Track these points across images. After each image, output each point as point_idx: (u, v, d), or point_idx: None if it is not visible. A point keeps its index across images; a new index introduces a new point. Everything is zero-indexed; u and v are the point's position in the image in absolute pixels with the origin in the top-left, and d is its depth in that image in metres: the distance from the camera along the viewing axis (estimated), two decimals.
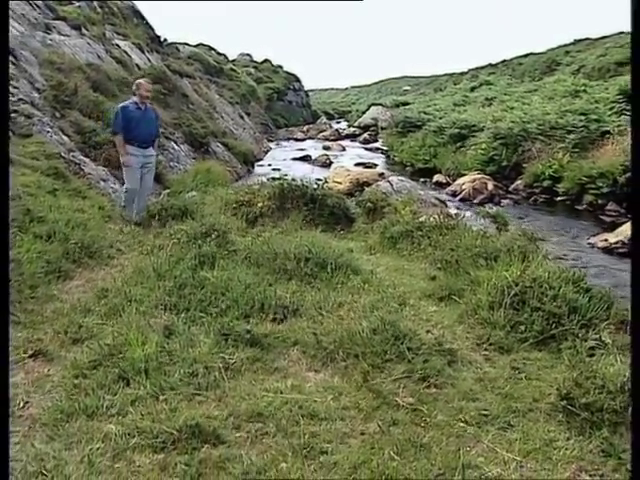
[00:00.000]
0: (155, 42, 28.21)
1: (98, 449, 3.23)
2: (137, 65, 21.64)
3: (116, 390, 3.84)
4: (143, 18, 28.83)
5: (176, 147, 17.56)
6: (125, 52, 21.45)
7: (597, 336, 4.92)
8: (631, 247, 2.81)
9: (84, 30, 19.09)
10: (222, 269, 6.02)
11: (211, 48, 46.33)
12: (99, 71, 16.62)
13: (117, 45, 21.29)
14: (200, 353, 4.31)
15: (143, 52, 23.85)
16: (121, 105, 9.21)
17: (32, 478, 2.95)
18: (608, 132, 16.57)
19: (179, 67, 25.78)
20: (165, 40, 31.48)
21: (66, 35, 17.64)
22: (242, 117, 31.43)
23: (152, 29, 29.03)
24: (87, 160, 12.01)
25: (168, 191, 13.17)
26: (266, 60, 58.48)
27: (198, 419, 3.44)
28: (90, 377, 4.02)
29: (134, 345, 4.29)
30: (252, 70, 50.66)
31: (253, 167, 22.30)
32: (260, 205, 9.48)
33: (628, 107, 17.90)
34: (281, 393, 3.87)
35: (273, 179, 10.41)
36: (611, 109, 18.19)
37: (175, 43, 34.32)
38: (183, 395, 3.80)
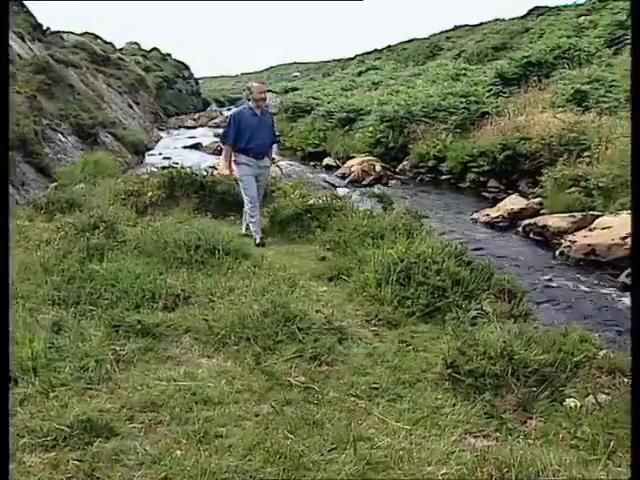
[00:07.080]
0: (37, 31, 26.88)
1: None
2: (19, 55, 20.61)
3: None
4: (23, 6, 27.42)
5: (63, 139, 16.99)
6: None
7: (479, 306, 5.23)
8: (631, 247, 2.98)
9: None
10: (111, 260, 5.91)
11: (97, 37, 44.57)
12: None
13: None
14: (90, 347, 4.23)
15: (25, 41, 22.74)
16: (236, 111, 8.40)
17: None
18: (487, 113, 17.29)
19: (64, 56, 24.71)
20: (48, 29, 30.02)
21: None
22: (131, 106, 30.58)
23: (34, 17, 27.69)
24: None
25: (55, 184, 12.80)
26: (154, 48, 57.11)
27: (90, 413, 3.38)
28: None
29: (21, 343, 4.14)
30: (140, 59, 49.23)
31: (144, 157, 21.81)
32: (150, 194, 9.34)
33: (504, 89, 18.80)
34: (174, 381, 3.87)
35: (162, 168, 10.29)
36: (489, 91, 18.90)
37: (59, 32, 32.77)
38: (74, 390, 3.72)
